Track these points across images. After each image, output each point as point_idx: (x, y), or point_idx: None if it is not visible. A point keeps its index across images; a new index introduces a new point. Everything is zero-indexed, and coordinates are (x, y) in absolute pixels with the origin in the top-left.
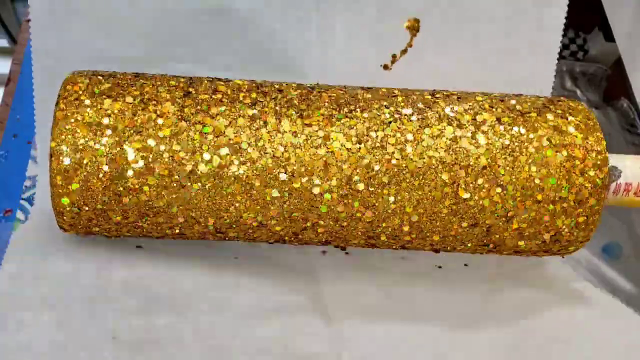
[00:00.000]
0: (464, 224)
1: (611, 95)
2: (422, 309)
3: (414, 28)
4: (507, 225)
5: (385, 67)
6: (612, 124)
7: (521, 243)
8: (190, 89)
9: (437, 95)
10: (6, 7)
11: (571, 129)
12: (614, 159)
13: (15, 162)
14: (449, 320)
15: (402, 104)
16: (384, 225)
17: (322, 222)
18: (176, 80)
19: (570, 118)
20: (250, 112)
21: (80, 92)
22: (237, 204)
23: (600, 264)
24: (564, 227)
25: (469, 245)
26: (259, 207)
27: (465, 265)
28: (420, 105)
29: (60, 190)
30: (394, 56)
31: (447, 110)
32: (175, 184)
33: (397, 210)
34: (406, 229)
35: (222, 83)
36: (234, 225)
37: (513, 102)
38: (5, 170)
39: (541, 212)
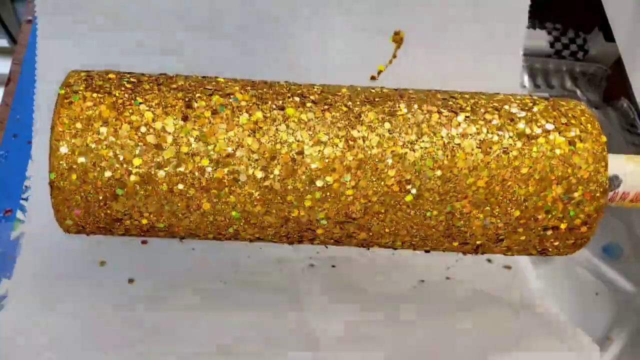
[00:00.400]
0: (455, 244)
1: (611, 95)
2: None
3: (398, 40)
4: (497, 244)
5: (373, 78)
6: (612, 124)
7: (509, 254)
8: (189, 111)
9: (445, 114)
10: (6, 7)
11: (578, 161)
12: (614, 161)
13: (15, 162)
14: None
15: (407, 127)
16: (377, 241)
17: (317, 239)
18: (174, 97)
19: (579, 145)
20: (250, 140)
21: (75, 119)
22: (235, 226)
23: (600, 264)
24: (552, 247)
25: (458, 253)
26: (256, 229)
27: (447, 278)
28: (424, 128)
29: (63, 215)
30: (379, 68)
31: (454, 133)
32: (175, 212)
33: (391, 232)
34: (399, 244)
35: (221, 98)
36: (233, 239)
37: (522, 124)
38: (5, 170)
39: (531, 236)
